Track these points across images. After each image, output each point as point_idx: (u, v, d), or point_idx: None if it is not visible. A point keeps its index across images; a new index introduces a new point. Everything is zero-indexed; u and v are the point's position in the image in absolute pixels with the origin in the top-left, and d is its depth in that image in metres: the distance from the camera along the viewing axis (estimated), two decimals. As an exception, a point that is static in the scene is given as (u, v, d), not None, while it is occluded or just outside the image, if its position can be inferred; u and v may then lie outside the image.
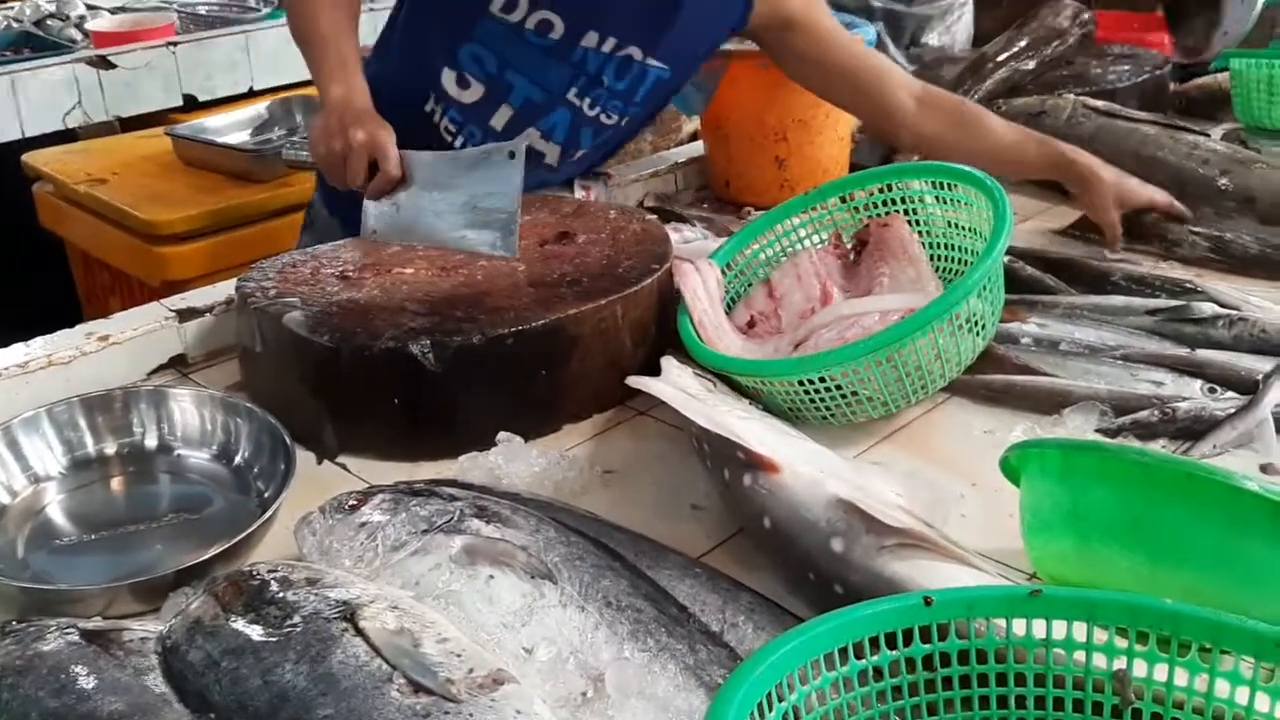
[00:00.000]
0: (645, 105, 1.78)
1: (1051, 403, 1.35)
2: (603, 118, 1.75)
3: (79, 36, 3.83)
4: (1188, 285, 1.58)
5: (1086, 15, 2.38)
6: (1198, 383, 1.36)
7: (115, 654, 0.90)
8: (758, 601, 1.01)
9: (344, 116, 1.46)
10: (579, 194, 1.92)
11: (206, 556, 1.07)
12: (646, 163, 2.24)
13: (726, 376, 1.35)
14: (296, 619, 0.88)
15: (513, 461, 1.25)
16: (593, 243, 1.56)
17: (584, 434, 1.39)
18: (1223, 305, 1.50)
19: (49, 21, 3.95)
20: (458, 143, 1.73)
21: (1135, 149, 1.96)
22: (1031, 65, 2.27)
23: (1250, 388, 1.32)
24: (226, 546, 1.08)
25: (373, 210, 1.47)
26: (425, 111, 1.74)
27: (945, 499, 1.15)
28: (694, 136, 2.52)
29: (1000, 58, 2.25)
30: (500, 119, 1.73)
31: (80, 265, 3.06)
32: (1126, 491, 0.93)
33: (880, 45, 2.15)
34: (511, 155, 1.41)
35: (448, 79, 1.71)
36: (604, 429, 1.40)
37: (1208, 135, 1.97)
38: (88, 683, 0.86)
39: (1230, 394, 1.33)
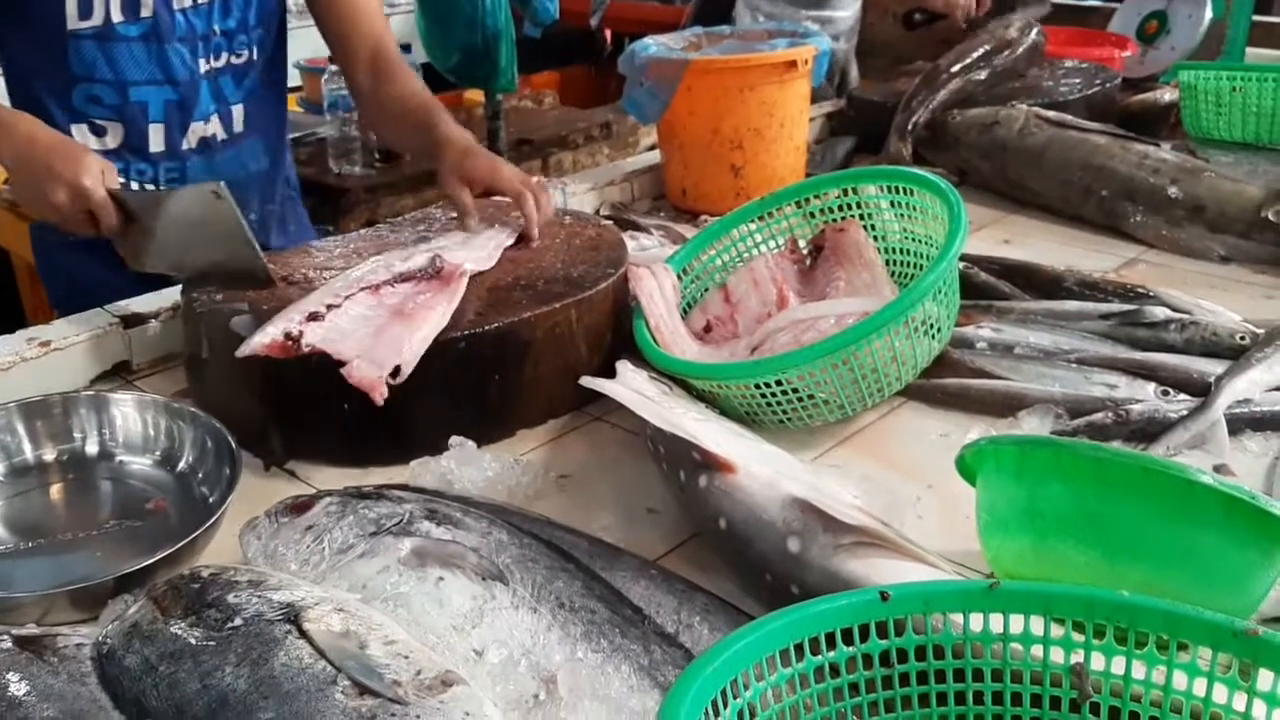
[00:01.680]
0: (263, 23, 1.72)
1: (1007, 406, 1.35)
2: (233, 60, 1.69)
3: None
4: (1140, 290, 1.59)
5: (1035, 28, 2.41)
6: (1151, 385, 1.36)
7: (49, 660, 0.87)
8: (713, 603, 0.99)
9: (33, 174, 1.37)
10: (534, 201, 1.90)
11: (148, 563, 1.04)
12: (602, 172, 2.23)
13: (683, 381, 1.34)
14: (238, 621, 0.85)
15: (465, 466, 1.23)
16: (547, 248, 1.55)
17: (539, 439, 1.37)
18: (1175, 310, 1.51)
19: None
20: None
21: (1086, 158, 1.98)
22: (983, 76, 2.29)
23: (1203, 390, 1.32)
24: (168, 553, 1.05)
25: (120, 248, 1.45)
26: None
27: (901, 501, 1.15)
28: (652, 149, 2.52)
29: (953, 69, 2.26)
30: (157, 140, 1.65)
31: (25, 276, 3.01)
32: (1082, 487, 0.92)
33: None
34: (216, 195, 1.37)
35: (82, 135, 1.61)
36: (559, 434, 1.39)
37: (1158, 145, 1.99)
38: (19, 689, 0.83)
39: (1183, 396, 1.34)
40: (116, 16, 1.57)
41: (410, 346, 1.26)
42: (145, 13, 1.58)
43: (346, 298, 1.34)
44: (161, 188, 1.66)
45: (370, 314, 1.33)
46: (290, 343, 1.26)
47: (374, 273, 1.40)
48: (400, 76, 1.74)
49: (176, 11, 1.60)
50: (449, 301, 1.34)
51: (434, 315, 1.31)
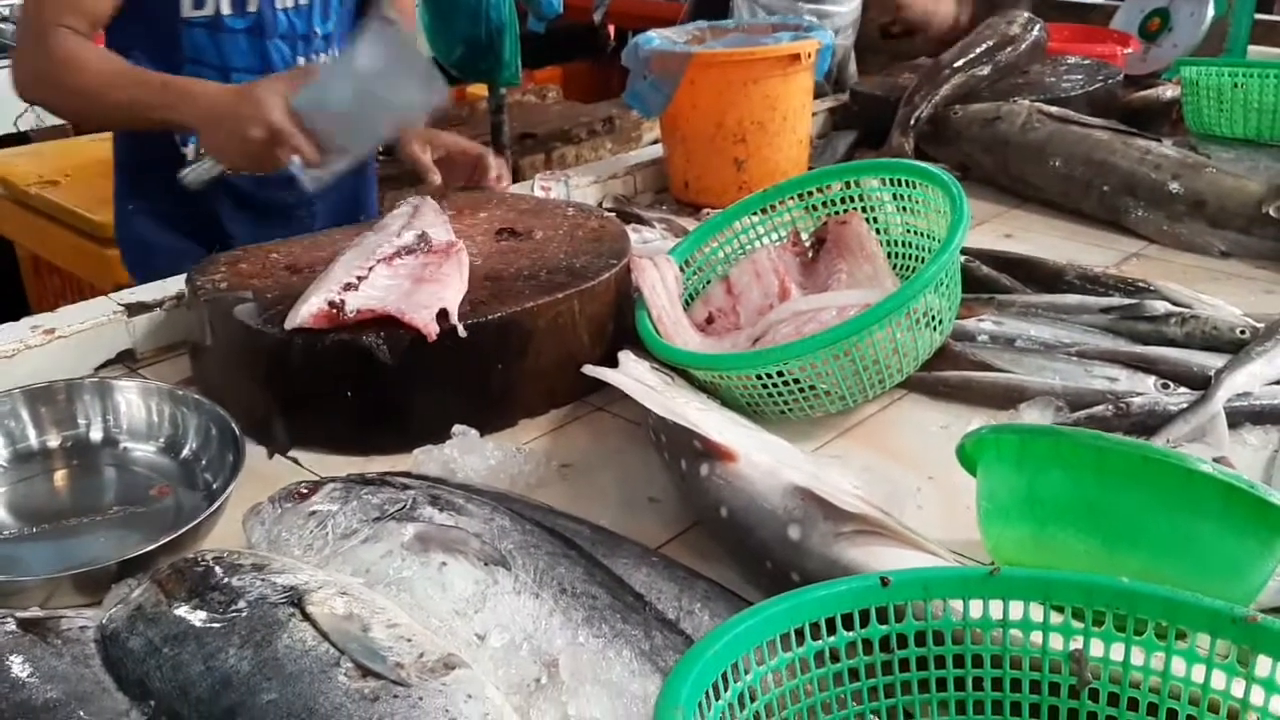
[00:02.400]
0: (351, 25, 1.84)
1: (1008, 398, 1.36)
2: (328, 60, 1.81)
3: (31, 40, 3.77)
4: (1141, 284, 1.59)
5: (1038, 24, 2.41)
6: (1151, 379, 1.37)
7: (52, 642, 0.87)
8: (714, 590, 0.99)
9: (225, 119, 1.50)
10: (539, 193, 1.91)
11: (151, 548, 1.04)
12: (605, 165, 2.23)
13: (684, 372, 1.34)
14: (241, 604, 0.85)
15: (468, 455, 1.23)
16: (550, 239, 1.55)
17: (541, 429, 1.38)
18: (1175, 304, 1.51)
19: (1, 25, 3.90)
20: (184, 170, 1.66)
21: (1088, 154, 1.98)
22: (986, 72, 2.29)
23: (1203, 383, 1.33)
24: (172, 538, 1.06)
25: (302, 172, 1.53)
26: (180, 151, 1.73)
27: (902, 492, 1.15)
28: (655, 143, 2.52)
29: (956, 64, 2.26)
30: None
31: (30, 268, 3.01)
32: (1082, 475, 0.93)
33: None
34: (391, 23, 1.52)
35: None
36: (561, 424, 1.39)
37: (1159, 140, 1.99)
38: (22, 671, 0.83)
39: (1183, 390, 1.34)
40: (225, 10, 1.69)
41: (449, 296, 1.31)
42: (251, 8, 1.71)
43: (369, 269, 1.37)
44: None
45: (394, 282, 1.37)
46: (335, 310, 1.28)
47: (380, 247, 1.42)
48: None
49: (279, 10, 1.73)
50: (460, 268, 1.39)
51: (454, 279, 1.36)
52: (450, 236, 1.49)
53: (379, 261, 1.39)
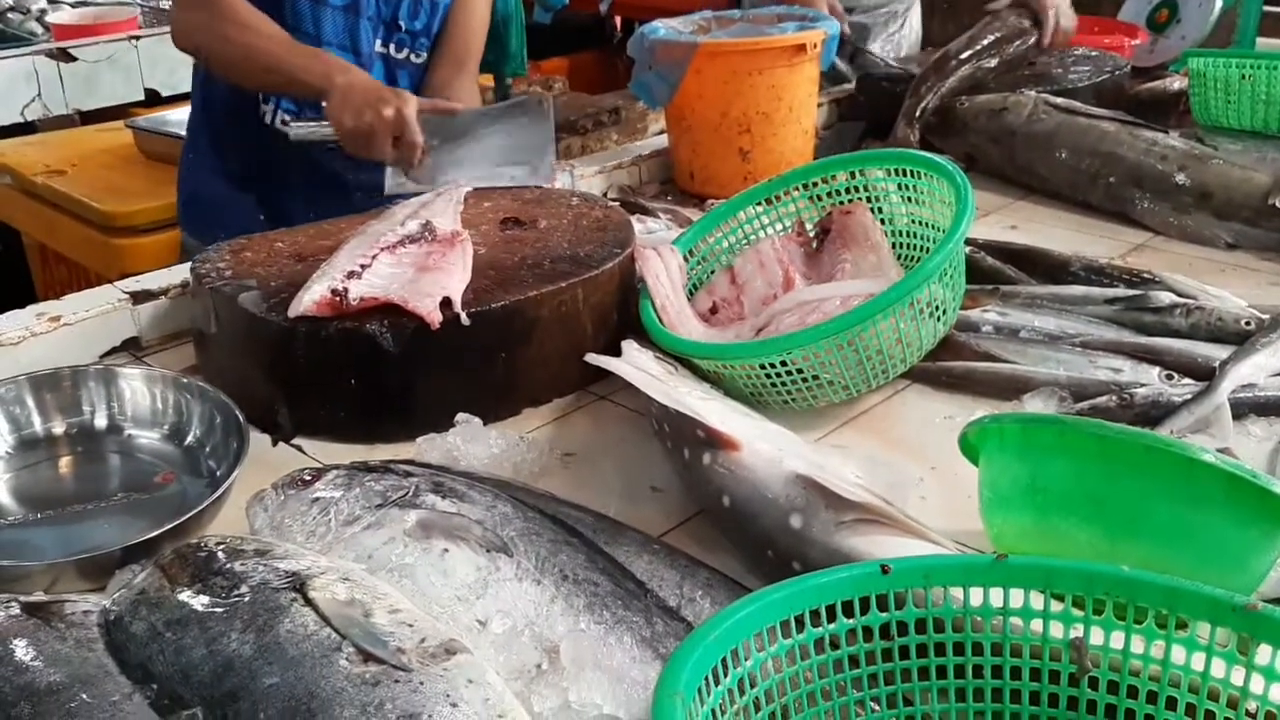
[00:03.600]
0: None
1: (1012, 389, 1.35)
2: (413, 58, 1.91)
3: (40, 30, 3.78)
4: (1145, 275, 1.59)
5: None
6: (1155, 370, 1.37)
7: (56, 626, 0.87)
8: (715, 577, 1.00)
9: (367, 93, 1.64)
10: (543, 183, 1.91)
11: (154, 534, 1.05)
12: (610, 155, 2.23)
13: (688, 361, 1.34)
14: (244, 589, 0.86)
15: (471, 443, 1.23)
16: (554, 228, 1.55)
17: (544, 418, 1.38)
18: (1180, 295, 1.51)
19: (9, 14, 3.90)
20: (294, 123, 1.80)
21: (1094, 145, 1.97)
22: (993, 64, 2.28)
23: (1207, 374, 1.32)
24: (176, 524, 1.06)
25: (392, 171, 1.67)
26: (259, 114, 1.85)
27: (904, 481, 1.15)
28: (661, 134, 2.51)
29: (963, 55, 2.25)
30: None
31: (37, 258, 3.02)
32: (1084, 465, 0.93)
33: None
34: (540, 103, 1.65)
35: None
36: (564, 413, 1.39)
37: (1166, 132, 1.98)
38: (26, 654, 0.84)
39: (1187, 381, 1.34)
40: None
41: (453, 284, 1.32)
42: None
43: (373, 257, 1.37)
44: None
45: (398, 270, 1.37)
46: (337, 298, 1.28)
47: (384, 236, 1.42)
48: (471, 80, 1.96)
49: None
50: (464, 257, 1.39)
51: (457, 268, 1.36)
52: (456, 226, 1.49)
53: (382, 250, 1.39)
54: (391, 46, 1.87)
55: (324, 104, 1.68)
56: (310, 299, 1.28)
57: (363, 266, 1.35)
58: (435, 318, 1.26)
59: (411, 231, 1.44)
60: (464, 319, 1.28)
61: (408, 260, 1.39)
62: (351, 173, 1.85)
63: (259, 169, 1.90)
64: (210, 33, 1.74)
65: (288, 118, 1.84)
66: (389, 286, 1.32)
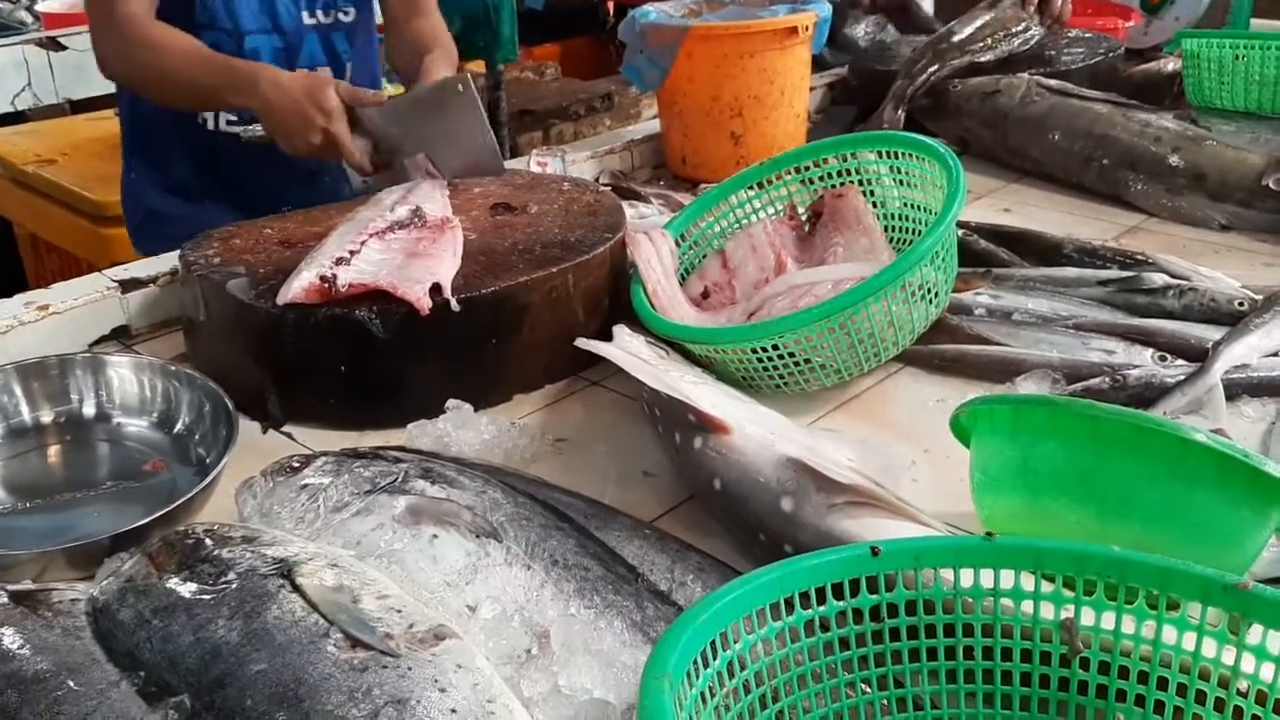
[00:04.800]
0: None
1: (1004, 371, 1.35)
2: (341, 18, 1.82)
3: (29, 19, 3.76)
4: (1139, 257, 1.59)
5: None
6: (1148, 351, 1.36)
7: (43, 615, 0.87)
8: (706, 562, 0.99)
9: (292, 115, 1.55)
10: (534, 168, 1.90)
11: (143, 522, 1.04)
12: (602, 140, 2.22)
13: (680, 346, 1.34)
14: (231, 576, 0.85)
15: (462, 429, 1.23)
16: (545, 213, 1.54)
17: (535, 404, 1.37)
18: (1173, 276, 1.50)
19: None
20: (240, 129, 1.74)
21: (1088, 127, 1.97)
22: (989, 58, 2.26)
23: (1200, 356, 1.32)
24: (165, 512, 1.06)
25: (353, 172, 1.63)
26: (199, 122, 1.79)
27: (896, 464, 1.14)
28: (654, 119, 2.50)
29: (956, 39, 2.24)
30: None
31: (29, 248, 3.01)
32: (1076, 445, 0.92)
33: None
34: (460, 86, 1.56)
35: None
36: (556, 399, 1.39)
37: (1159, 114, 1.98)
38: (13, 642, 0.83)
39: (1180, 362, 1.33)
40: None
41: (443, 270, 1.31)
42: None
43: (362, 244, 1.37)
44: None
45: (386, 257, 1.36)
46: (326, 284, 1.27)
47: (373, 222, 1.41)
48: (431, 15, 1.86)
49: None
50: (454, 243, 1.38)
51: (447, 254, 1.35)
52: (446, 212, 1.48)
53: (371, 235, 1.39)
54: (319, 14, 1.80)
55: None
56: (299, 285, 1.27)
57: (352, 253, 1.34)
58: (425, 304, 1.25)
59: (401, 217, 1.43)
60: (454, 305, 1.28)
61: (397, 246, 1.38)
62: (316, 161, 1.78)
63: (210, 177, 1.83)
64: (126, 61, 1.68)
65: (233, 118, 1.77)
66: (378, 273, 1.31)
